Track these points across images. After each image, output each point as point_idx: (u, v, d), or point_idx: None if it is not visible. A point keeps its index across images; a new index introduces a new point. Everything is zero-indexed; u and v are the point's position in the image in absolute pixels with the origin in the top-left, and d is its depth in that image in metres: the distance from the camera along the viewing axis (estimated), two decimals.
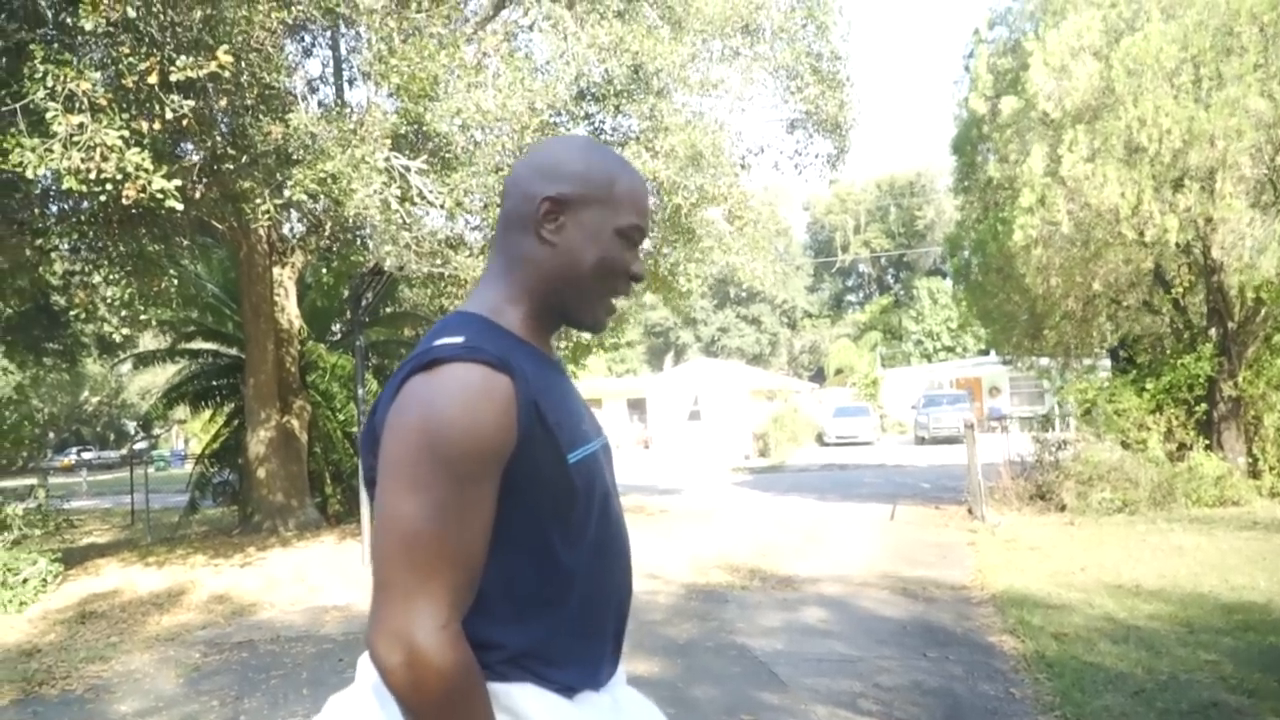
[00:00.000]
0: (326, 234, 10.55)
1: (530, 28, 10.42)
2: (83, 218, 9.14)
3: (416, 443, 1.14)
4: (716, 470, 24.02)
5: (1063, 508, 11.35)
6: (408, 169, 8.23)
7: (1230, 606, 6.25)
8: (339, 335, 16.04)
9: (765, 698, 4.89)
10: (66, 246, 10.21)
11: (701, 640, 6.18)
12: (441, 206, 8.39)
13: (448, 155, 8.57)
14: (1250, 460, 11.75)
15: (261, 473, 12.42)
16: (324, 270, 15.09)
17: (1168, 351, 12.80)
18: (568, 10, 9.22)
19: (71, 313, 10.49)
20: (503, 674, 1.21)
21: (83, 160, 6.34)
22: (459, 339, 1.21)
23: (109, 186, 6.54)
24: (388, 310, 15.55)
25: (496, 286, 1.35)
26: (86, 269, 10.35)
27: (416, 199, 8.35)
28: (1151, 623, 5.96)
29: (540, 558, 1.23)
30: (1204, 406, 11.93)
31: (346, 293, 14.60)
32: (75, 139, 6.35)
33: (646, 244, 11.92)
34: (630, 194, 1.35)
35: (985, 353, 35.61)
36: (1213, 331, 12.05)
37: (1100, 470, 11.43)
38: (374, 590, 1.14)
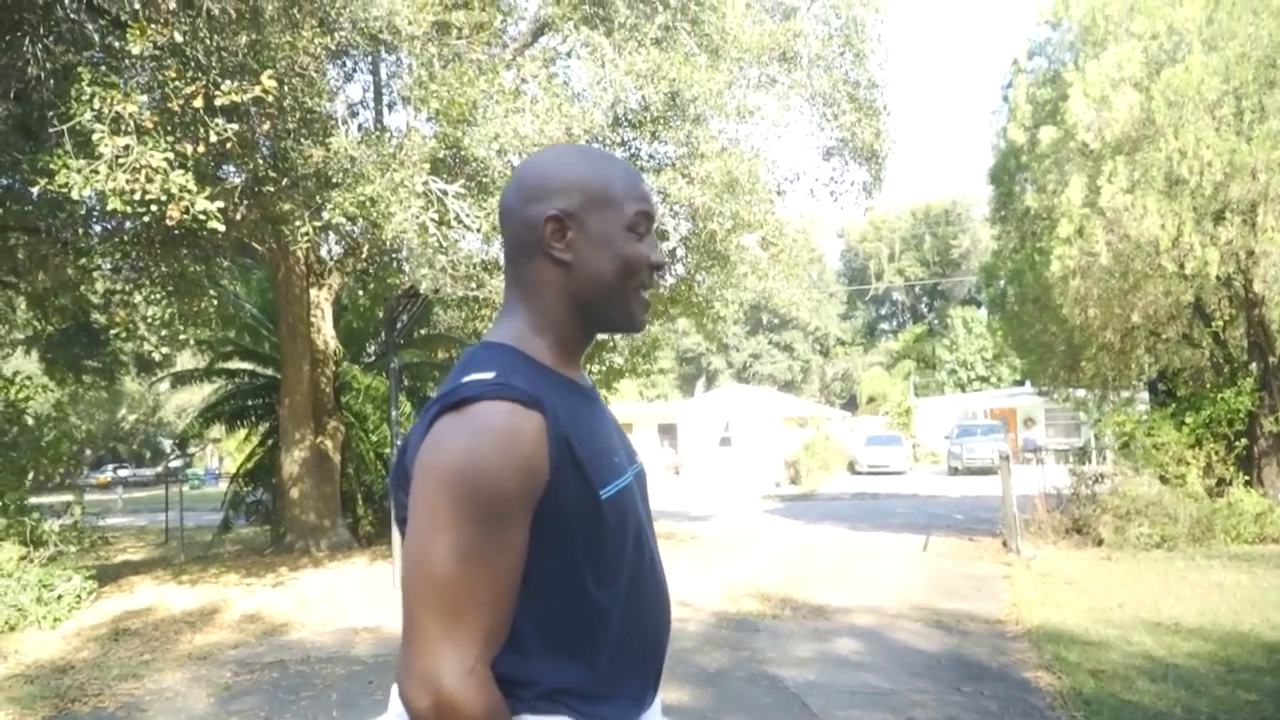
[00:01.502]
0: (364, 256, 10.66)
1: (568, 55, 10.52)
2: (125, 238, 9.30)
3: (447, 484, 1.12)
4: (747, 497, 23.87)
5: (1099, 542, 11.15)
6: (445, 193, 8.32)
7: (1272, 646, 6.11)
8: (373, 357, 16.16)
9: None
10: (108, 266, 10.38)
11: (732, 669, 6.12)
12: (478, 230, 8.46)
13: (485, 179, 8.65)
14: None
15: (295, 493, 12.51)
16: (360, 292, 15.24)
17: (1207, 385, 12.60)
18: (606, 38, 9.29)
19: (111, 331, 10.64)
20: (539, 709, 1.20)
21: (127, 181, 6.46)
22: (489, 374, 1.19)
23: (153, 207, 6.66)
24: (422, 332, 15.66)
25: (519, 316, 1.32)
26: (127, 288, 10.52)
27: (453, 222, 8.43)
28: (1191, 661, 5.83)
29: (573, 595, 1.21)
30: (1244, 441, 11.72)
31: (382, 315, 14.74)
32: (120, 160, 6.48)
33: (680, 269, 11.96)
34: (627, 185, 1.32)
35: (1020, 383, 35.25)
36: (1253, 366, 11.86)
37: (1138, 505, 11.22)
38: (403, 633, 1.14)
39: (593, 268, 1.29)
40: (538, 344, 1.30)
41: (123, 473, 42.95)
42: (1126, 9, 10.99)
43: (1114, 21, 11.12)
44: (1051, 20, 13.99)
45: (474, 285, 8.86)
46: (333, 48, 8.11)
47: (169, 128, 6.99)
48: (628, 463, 1.35)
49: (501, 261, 9.96)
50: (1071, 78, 11.06)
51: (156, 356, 11.39)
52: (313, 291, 12.80)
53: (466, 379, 1.19)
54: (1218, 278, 10.59)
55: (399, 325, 10.85)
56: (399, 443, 10.26)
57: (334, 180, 8.04)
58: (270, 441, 14.35)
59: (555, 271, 1.29)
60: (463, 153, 8.44)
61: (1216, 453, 11.74)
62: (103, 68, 7.23)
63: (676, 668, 5.98)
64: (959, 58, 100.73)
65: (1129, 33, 10.91)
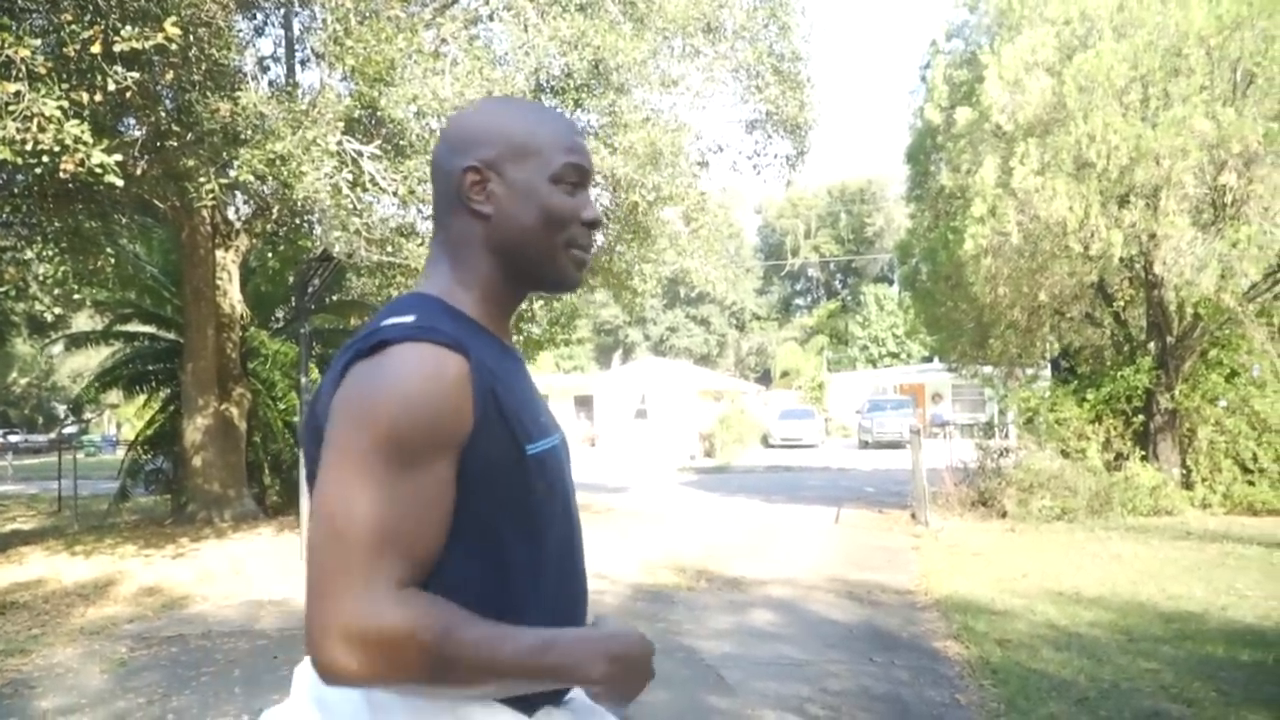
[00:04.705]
0: (273, 218, 10.31)
1: (490, 17, 10.27)
2: (16, 191, 8.80)
3: (362, 427, 1.04)
4: (663, 470, 24.00)
5: (1004, 514, 11.50)
6: (360, 154, 8.05)
7: (1168, 615, 6.35)
8: (283, 322, 15.69)
9: (713, 701, 4.84)
10: None
11: None
12: (394, 194, 8.22)
13: (402, 142, 8.41)
14: (1184, 471, 12.01)
15: (198, 461, 12.10)
16: (269, 255, 14.76)
17: (1108, 363, 13.06)
18: (529, 1, 9.09)
19: (1, 290, 10.09)
20: None
21: (18, 130, 6.07)
22: (408, 318, 1.11)
23: (45, 159, 6.27)
24: (334, 298, 15.23)
25: (443, 272, 1.25)
26: (19, 244, 9.98)
27: (368, 185, 8.17)
28: (1092, 630, 6.02)
29: (494, 559, 1.12)
30: (1141, 418, 12.17)
31: (292, 279, 14.30)
32: (11, 108, 6.08)
33: (600, 238, 11.85)
34: (555, 136, 1.25)
35: (929, 359, 36.07)
36: (1152, 345, 12.30)
37: (1040, 478, 11.60)
38: (313, 591, 1.01)
39: (514, 220, 1.22)
40: (463, 298, 1.23)
41: (13, 439, 41.07)
42: None
43: (1029, 6, 11.34)
44: (969, 3, 14.23)
45: (389, 250, 8.63)
46: None
47: (64, 75, 6.59)
48: (553, 428, 1.27)
49: (418, 226, 9.75)
50: (987, 60, 11.25)
51: (50, 317, 10.89)
52: (219, 253, 12.32)
53: (385, 323, 1.11)
54: (1121, 259, 10.93)
55: (310, 290, 10.52)
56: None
57: (242, 137, 7.71)
58: (172, 408, 13.84)
59: (476, 225, 1.23)
60: (379, 113, 8.17)
61: (1115, 428, 12.17)
62: None
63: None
64: (878, 37, 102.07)
65: (1043, 18, 11.13)
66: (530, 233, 1.23)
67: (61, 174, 6.46)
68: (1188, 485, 11.86)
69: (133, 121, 8.52)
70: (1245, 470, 11.77)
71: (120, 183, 6.76)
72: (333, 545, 1.01)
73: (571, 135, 1.28)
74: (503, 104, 1.30)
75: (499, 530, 1.13)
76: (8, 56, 6.11)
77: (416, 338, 1.07)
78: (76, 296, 9.93)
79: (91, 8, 6.68)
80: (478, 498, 1.10)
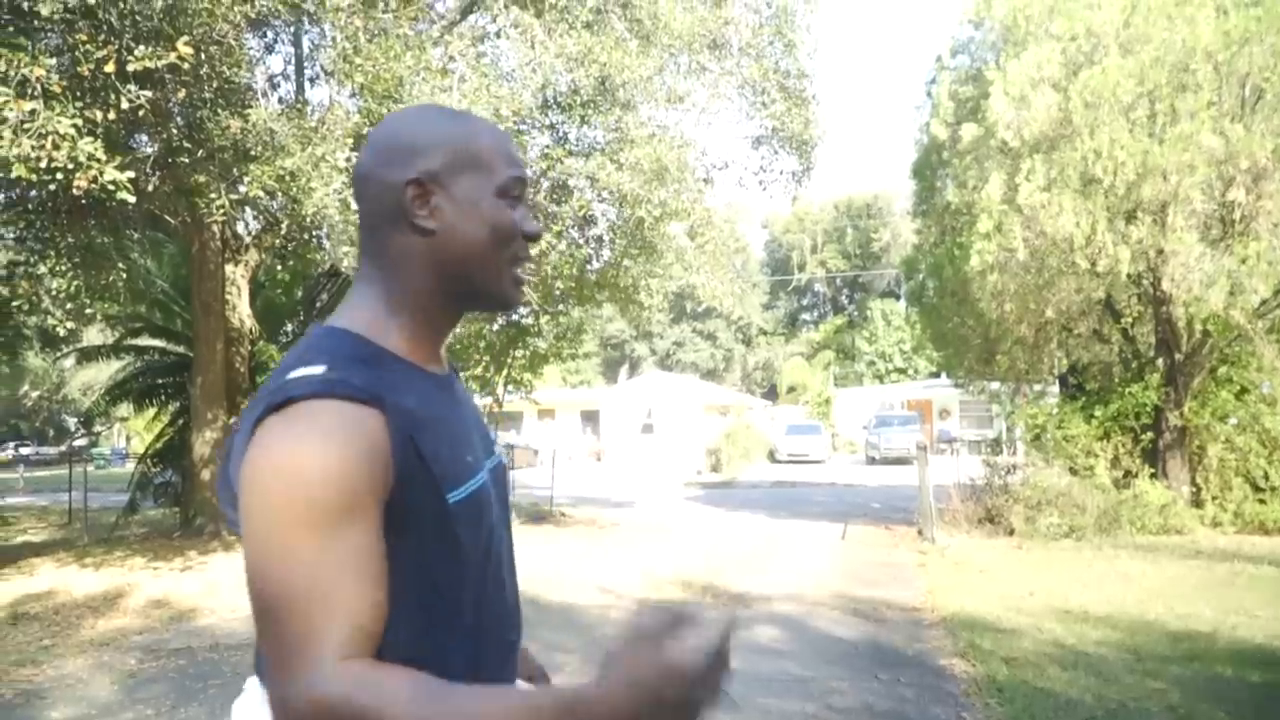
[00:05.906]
0: (283, 233, 10.37)
1: (498, 34, 10.36)
2: (30, 206, 8.90)
3: (277, 493, 0.99)
4: (668, 484, 23.99)
5: (1011, 531, 11.46)
6: None
7: (1176, 635, 6.32)
8: (291, 336, 15.74)
9: (717, 718, 4.83)
10: (12, 236, 9.93)
11: None
12: None
13: None
14: (1194, 489, 11.94)
15: (206, 474, 12.14)
16: (279, 269, 14.84)
17: (1116, 380, 13.01)
18: (536, 19, 9.17)
19: (14, 304, 10.16)
20: None
21: (33, 148, 6.15)
22: (318, 369, 1.05)
23: (59, 176, 6.36)
24: None
25: (371, 294, 1.18)
26: (32, 259, 10.06)
27: None
28: (1100, 649, 6.00)
29: (420, 604, 1.09)
30: (1150, 435, 12.12)
31: (301, 293, 14.39)
32: (26, 126, 6.17)
33: (606, 253, 11.91)
34: (496, 146, 1.20)
35: (936, 375, 36.02)
36: (1160, 362, 12.26)
37: (1048, 495, 11.56)
38: (259, 660, 1.01)
39: (461, 237, 1.16)
40: (390, 326, 1.16)
41: (24, 451, 41.32)
42: (1046, 10, 11.24)
43: (1034, 23, 11.36)
44: (974, 20, 14.25)
45: None
46: (253, 16, 7.83)
47: (78, 93, 6.69)
48: (484, 457, 1.23)
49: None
50: (993, 76, 11.27)
51: (62, 331, 10.95)
52: (228, 268, 12.40)
53: (293, 375, 1.05)
54: (1128, 276, 10.91)
55: (319, 304, 10.58)
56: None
57: (252, 153, 7.79)
58: (181, 421, 13.90)
59: (418, 242, 1.16)
60: None
61: (1123, 445, 12.12)
62: (10, 29, 6.88)
63: (597, 655, 5.95)
64: (883, 52, 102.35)
65: (1049, 34, 11.15)
66: (477, 249, 1.17)
67: (75, 190, 6.55)
68: (1197, 503, 11.79)
69: (145, 138, 8.61)
70: (1256, 489, 11.69)
71: (132, 199, 6.85)
72: (269, 621, 0.99)
73: (511, 146, 1.24)
74: (436, 111, 1.23)
75: (428, 575, 1.10)
76: (23, 75, 6.21)
77: (325, 393, 1.02)
78: (88, 311, 9.99)
79: (106, 28, 6.76)
80: (404, 542, 1.06)
